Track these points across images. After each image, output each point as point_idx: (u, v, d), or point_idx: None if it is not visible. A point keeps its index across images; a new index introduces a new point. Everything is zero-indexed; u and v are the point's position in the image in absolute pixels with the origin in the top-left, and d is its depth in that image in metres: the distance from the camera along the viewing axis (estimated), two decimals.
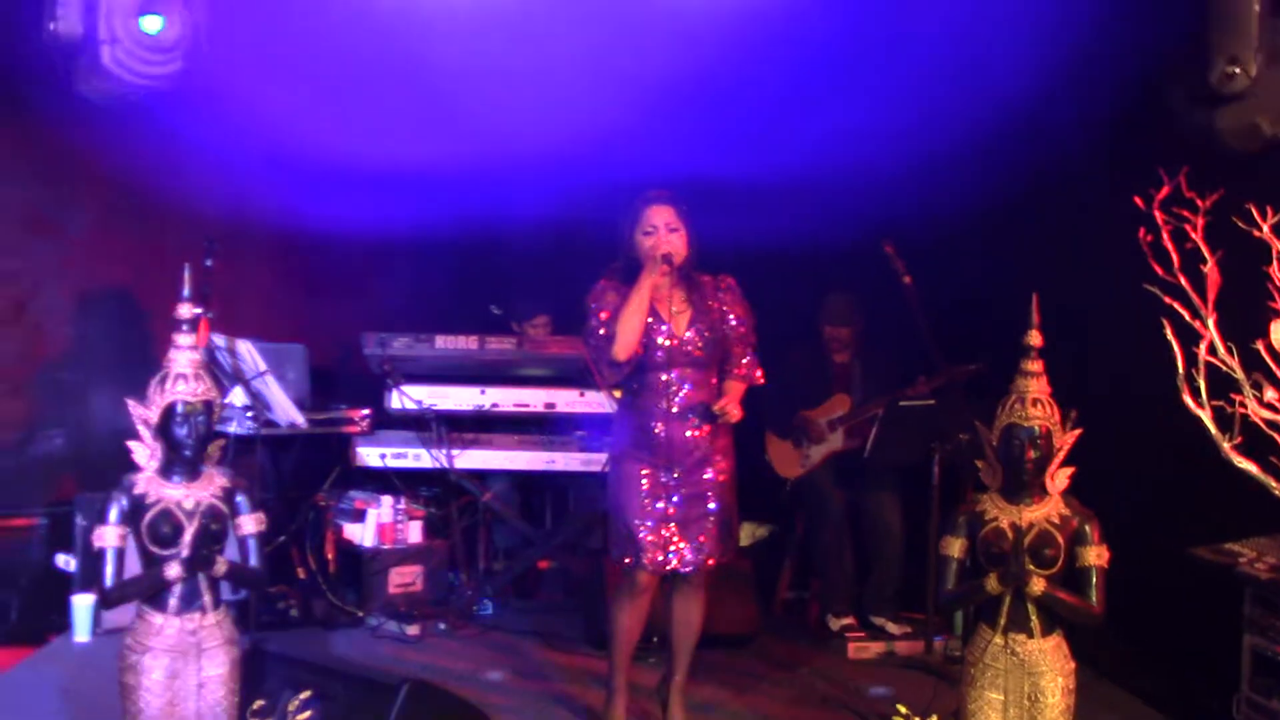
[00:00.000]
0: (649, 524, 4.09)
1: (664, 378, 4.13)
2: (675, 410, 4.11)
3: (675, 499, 4.11)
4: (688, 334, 4.15)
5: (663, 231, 4.10)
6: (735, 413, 4.09)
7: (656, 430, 4.11)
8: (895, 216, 4.95)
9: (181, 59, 4.16)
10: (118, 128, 5.04)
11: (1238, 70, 3.86)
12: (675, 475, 4.11)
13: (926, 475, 5.15)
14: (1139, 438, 4.73)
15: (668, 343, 4.13)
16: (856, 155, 5.07)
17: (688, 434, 4.12)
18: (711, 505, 4.15)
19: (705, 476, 4.15)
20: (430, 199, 5.82)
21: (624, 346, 4.06)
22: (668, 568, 4.12)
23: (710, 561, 4.17)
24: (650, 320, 4.12)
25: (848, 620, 5.46)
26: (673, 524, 4.10)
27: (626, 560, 4.16)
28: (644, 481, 4.12)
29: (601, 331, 4.11)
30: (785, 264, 5.59)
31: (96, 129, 5.14)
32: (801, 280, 5.75)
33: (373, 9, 4.81)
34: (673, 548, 4.10)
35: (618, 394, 4.60)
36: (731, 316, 4.22)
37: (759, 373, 4.27)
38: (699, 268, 4.25)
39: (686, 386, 4.14)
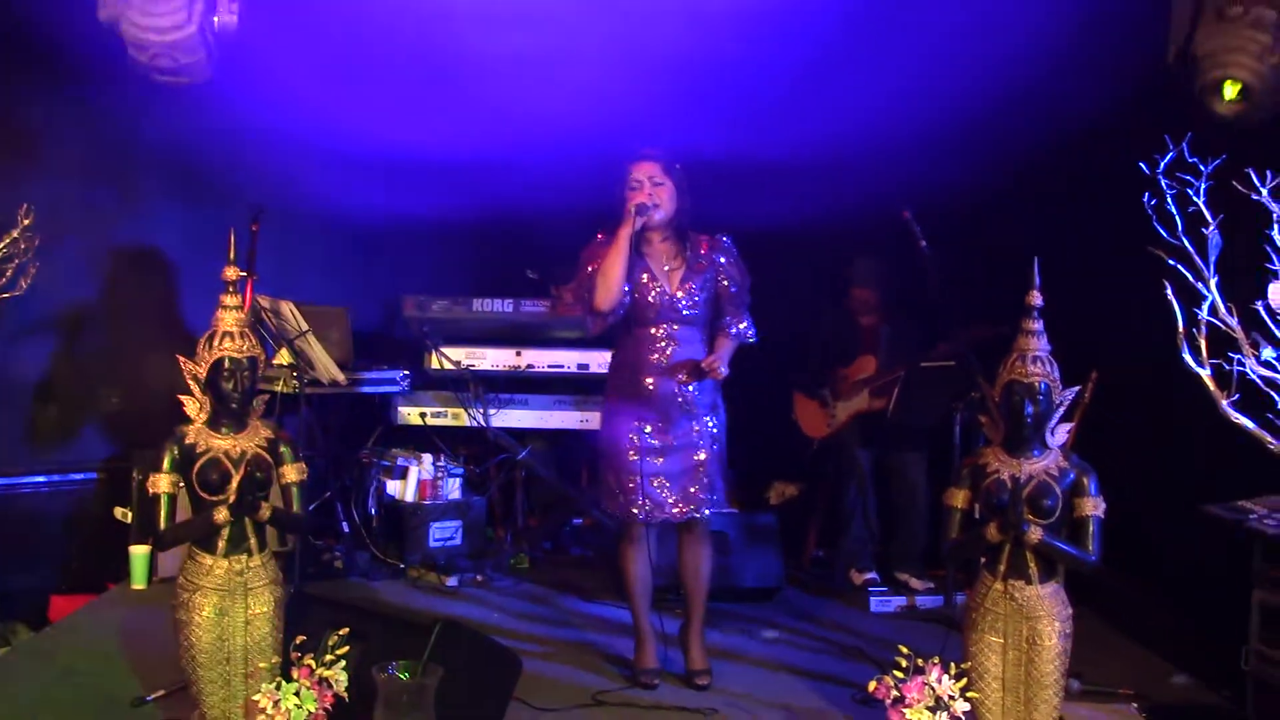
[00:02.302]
0: (637, 477, 4.21)
1: (654, 332, 4.25)
2: (665, 365, 4.22)
3: (664, 451, 4.23)
4: (679, 291, 4.25)
5: (646, 186, 4.18)
6: (722, 370, 4.18)
7: (647, 383, 4.23)
8: (915, 188, 5.04)
9: (215, 50, 4.27)
10: (174, 110, 5.25)
11: None
12: (663, 427, 4.23)
13: (949, 435, 5.23)
14: (1153, 396, 4.81)
15: (659, 299, 4.23)
16: (874, 128, 5.14)
17: (676, 388, 4.23)
18: (700, 456, 4.25)
19: (695, 428, 4.25)
20: (466, 176, 5.93)
21: (604, 297, 4.16)
22: (659, 517, 4.24)
23: (702, 511, 4.28)
24: (645, 276, 4.23)
25: (870, 575, 5.58)
26: (662, 475, 4.22)
27: (618, 511, 4.29)
28: (633, 435, 4.24)
29: (586, 282, 4.23)
30: (808, 237, 5.69)
31: (154, 109, 5.34)
32: (824, 253, 5.83)
33: (410, 8, 5.01)
34: (663, 498, 4.22)
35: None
36: (724, 276, 4.29)
37: (751, 332, 4.33)
38: (698, 228, 4.32)
39: (677, 342, 4.24)
